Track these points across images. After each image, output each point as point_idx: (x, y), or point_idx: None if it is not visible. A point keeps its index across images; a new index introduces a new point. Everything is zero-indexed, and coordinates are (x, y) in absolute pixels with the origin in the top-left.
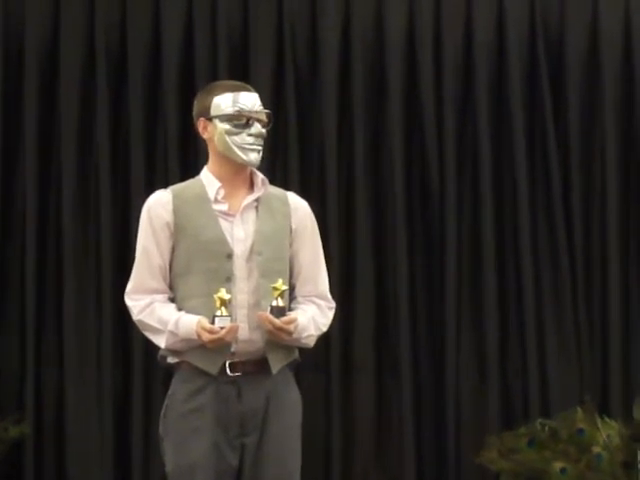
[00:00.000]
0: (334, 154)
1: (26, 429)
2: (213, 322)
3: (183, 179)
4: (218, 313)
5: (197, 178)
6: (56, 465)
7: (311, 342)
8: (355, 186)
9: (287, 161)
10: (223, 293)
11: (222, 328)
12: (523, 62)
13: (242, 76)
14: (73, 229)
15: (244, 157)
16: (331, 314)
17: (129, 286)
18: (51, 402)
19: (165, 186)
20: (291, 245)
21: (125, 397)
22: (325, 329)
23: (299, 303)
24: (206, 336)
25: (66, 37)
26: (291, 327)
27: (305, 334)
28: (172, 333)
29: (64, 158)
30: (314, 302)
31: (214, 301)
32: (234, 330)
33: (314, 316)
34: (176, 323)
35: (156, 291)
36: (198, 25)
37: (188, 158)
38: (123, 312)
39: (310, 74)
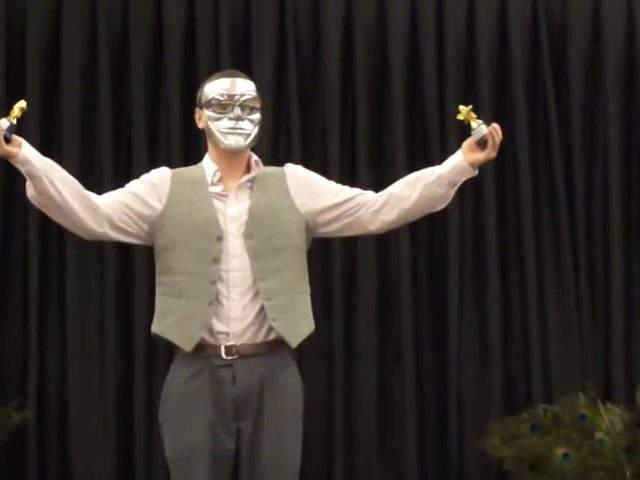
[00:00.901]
0: (336, 141)
1: (29, 415)
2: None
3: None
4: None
5: (199, 164)
6: (59, 451)
7: None
8: (357, 172)
9: (289, 148)
10: (22, 103)
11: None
12: (525, 49)
13: (244, 62)
14: None
15: (224, 141)
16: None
17: None
18: (54, 388)
19: None
20: (305, 205)
21: (128, 383)
22: None
23: (376, 197)
24: None
25: (68, 22)
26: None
27: None
28: None
29: (66, 147)
30: (364, 193)
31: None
32: None
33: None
34: None
35: (103, 197)
36: (200, 10)
37: (191, 146)
38: (126, 297)
39: (312, 61)
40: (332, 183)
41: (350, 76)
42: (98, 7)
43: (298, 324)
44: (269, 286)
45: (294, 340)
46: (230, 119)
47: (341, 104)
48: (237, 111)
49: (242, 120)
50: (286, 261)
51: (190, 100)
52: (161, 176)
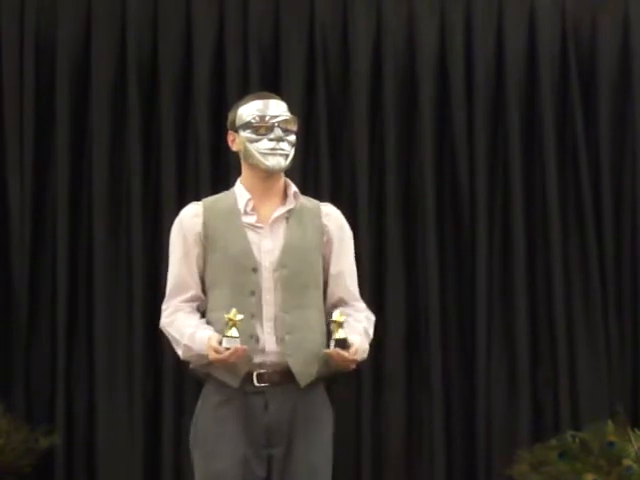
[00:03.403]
0: (365, 164)
1: (57, 440)
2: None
3: (214, 191)
4: (228, 334)
5: (230, 190)
6: (87, 476)
7: (366, 355)
8: (386, 196)
9: (318, 171)
10: (234, 313)
11: (227, 349)
12: (554, 77)
13: (273, 86)
14: (104, 244)
15: (265, 162)
16: (372, 316)
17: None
18: (81, 413)
19: (196, 198)
20: (325, 256)
21: (155, 408)
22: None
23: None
24: (212, 355)
25: (97, 46)
26: (357, 357)
27: (365, 354)
28: (187, 347)
29: (95, 172)
30: (352, 306)
31: (225, 321)
32: (239, 352)
33: (365, 329)
34: (192, 337)
35: (184, 300)
36: (229, 36)
37: (219, 170)
38: (154, 323)
39: (341, 84)
40: (350, 268)
41: (379, 99)
42: (127, 30)
43: (310, 365)
44: (290, 320)
45: (303, 380)
46: (270, 140)
47: (370, 127)
48: (278, 132)
49: (282, 141)
50: (308, 299)
51: (219, 124)
52: (197, 216)
